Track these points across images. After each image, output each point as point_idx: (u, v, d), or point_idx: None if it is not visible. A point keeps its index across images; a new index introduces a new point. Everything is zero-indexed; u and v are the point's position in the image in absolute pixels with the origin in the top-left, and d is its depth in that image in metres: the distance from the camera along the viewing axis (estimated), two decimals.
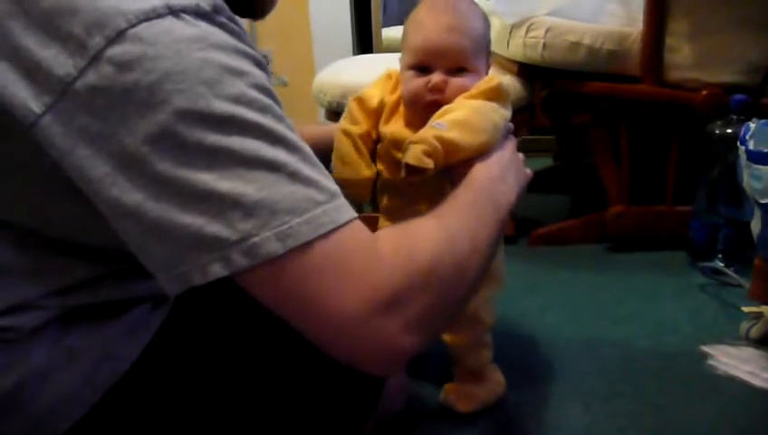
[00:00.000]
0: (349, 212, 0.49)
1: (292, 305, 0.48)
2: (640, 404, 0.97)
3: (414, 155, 0.72)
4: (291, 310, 0.48)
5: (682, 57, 1.40)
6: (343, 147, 0.85)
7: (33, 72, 0.44)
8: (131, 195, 0.45)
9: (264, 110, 0.47)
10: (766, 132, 1.10)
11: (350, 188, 0.86)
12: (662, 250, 1.50)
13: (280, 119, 0.48)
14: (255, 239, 0.45)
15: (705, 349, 1.09)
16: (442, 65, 0.80)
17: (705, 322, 1.20)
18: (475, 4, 0.86)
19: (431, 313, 0.51)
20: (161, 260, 0.47)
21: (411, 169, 0.73)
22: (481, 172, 0.70)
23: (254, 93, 0.47)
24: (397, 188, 0.87)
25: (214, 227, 0.44)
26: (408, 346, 0.50)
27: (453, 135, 0.73)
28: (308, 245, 0.46)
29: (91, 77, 0.44)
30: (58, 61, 0.44)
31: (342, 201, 0.49)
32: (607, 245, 1.56)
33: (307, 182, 0.47)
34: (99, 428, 0.55)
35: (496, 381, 0.96)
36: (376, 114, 0.86)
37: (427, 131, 0.74)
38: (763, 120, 1.14)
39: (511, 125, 0.82)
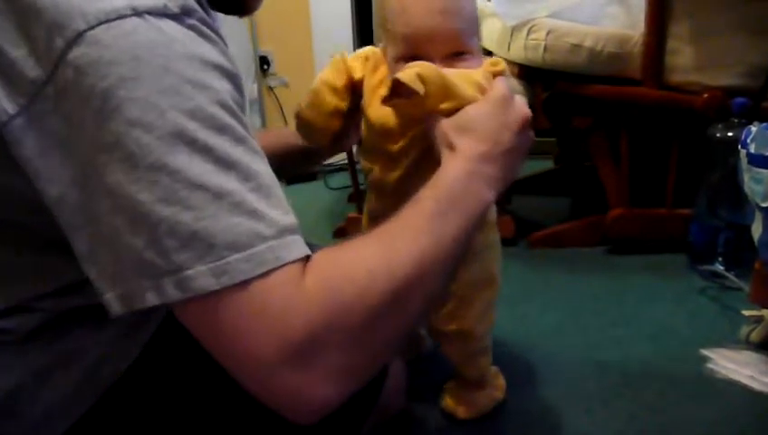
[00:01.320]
0: (299, 249, 0.46)
1: (213, 341, 0.45)
2: (640, 407, 0.97)
3: (408, 74, 0.64)
4: (211, 346, 0.45)
5: (683, 60, 1.39)
6: (321, 93, 0.80)
7: (7, 71, 0.43)
8: (90, 205, 0.43)
9: (220, 129, 0.44)
10: (767, 136, 1.10)
11: (311, 132, 0.82)
12: (662, 253, 1.50)
13: (239, 140, 0.45)
14: (189, 272, 0.42)
15: (705, 352, 1.09)
16: (438, 52, 0.73)
17: (704, 325, 1.19)
18: None
19: (355, 358, 0.46)
20: (108, 277, 0.44)
21: (396, 90, 0.65)
22: (453, 168, 0.59)
23: (212, 110, 0.44)
24: (384, 188, 0.82)
25: (149, 253, 0.42)
26: (324, 398, 0.45)
27: (452, 76, 0.66)
28: (244, 283, 0.43)
29: (57, 81, 0.42)
30: (29, 63, 0.43)
31: (294, 238, 0.46)
32: (607, 247, 1.56)
33: (254, 215, 0.44)
34: (98, 428, 0.55)
35: (497, 385, 0.96)
36: (356, 84, 0.82)
37: (427, 64, 0.68)
38: (764, 124, 1.14)
39: (519, 87, 0.73)
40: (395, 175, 0.80)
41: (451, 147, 0.62)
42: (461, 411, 0.93)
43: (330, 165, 2.17)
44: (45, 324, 0.53)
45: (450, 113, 0.65)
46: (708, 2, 1.37)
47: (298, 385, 0.44)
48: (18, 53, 0.43)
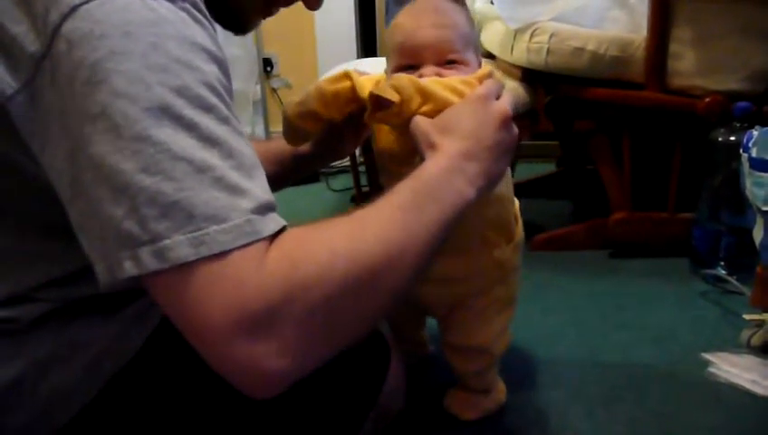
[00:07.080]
0: (275, 223, 0.46)
1: (173, 311, 0.45)
2: (641, 411, 0.97)
3: (381, 87, 0.67)
4: (172, 315, 0.45)
5: (686, 64, 1.40)
6: (308, 94, 0.76)
7: (9, 47, 0.44)
8: (81, 175, 0.44)
9: (206, 109, 0.45)
10: None
11: (287, 129, 0.79)
12: (664, 257, 1.50)
13: (223, 121, 0.46)
14: (167, 242, 0.42)
15: (707, 356, 1.09)
16: (430, 59, 0.76)
17: (706, 329, 1.19)
18: (457, 2, 0.82)
19: (311, 335, 0.46)
20: (96, 248, 0.45)
21: (378, 104, 0.67)
22: (434, 165, 0.60)
23: (199, 90, 0.45)
24: None
25: (128, 223, 0.42)
26: (279, 371, 0.44)
27: (427, 83, 0.69)
28: (222, 254, 0.43)
29: (53, 54, 0.43)
30: (29, 38, 0.43)
31: (272, 214, 0.46)
32: (609, 251, 1.56)
33: (234, 189, 0.44)
34: (99, 419, 0.55)
35: (499, 388, 0.96)
36: (361, 101, 0.78)
37: (401, 75, 0.71)
38: (766, 128, 1.14)
39: (499, 84, 0.70)
40: None
41: (432, 146, 0.63)
42: (465, 414, 0.93)
43: (332, 167, 2.17)
44: (49, 315, 0.53)
45: (431, 115, 0.67)
46: (711, 6, 1.37)
47: (252, 356, 0.44)
48: (19, 29, 0.44)
